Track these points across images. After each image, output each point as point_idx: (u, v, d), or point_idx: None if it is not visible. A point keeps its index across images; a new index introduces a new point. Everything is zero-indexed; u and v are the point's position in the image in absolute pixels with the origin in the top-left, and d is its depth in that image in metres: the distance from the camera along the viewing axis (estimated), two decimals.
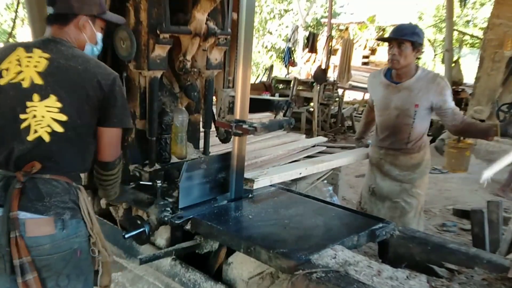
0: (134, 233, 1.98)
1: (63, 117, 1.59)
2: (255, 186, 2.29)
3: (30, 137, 1.57)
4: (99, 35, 1.82)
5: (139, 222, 2.00)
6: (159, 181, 2.07)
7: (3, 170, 1.61)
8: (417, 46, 2.67)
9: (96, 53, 1.85)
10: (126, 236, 1.97)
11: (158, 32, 2.09)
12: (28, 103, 1.58)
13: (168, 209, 2.04)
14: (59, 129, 1.59)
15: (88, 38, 1.77)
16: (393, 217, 2.74)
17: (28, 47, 1.66)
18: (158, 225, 2.01)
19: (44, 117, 1.58)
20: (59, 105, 1.59)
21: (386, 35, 5.07)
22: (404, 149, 2.80)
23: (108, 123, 1.69)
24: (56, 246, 1.59)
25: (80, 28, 1.73)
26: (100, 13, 1.77)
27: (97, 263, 1.75)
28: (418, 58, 2.71)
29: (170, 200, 2.11)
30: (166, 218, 1.98)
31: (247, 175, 2.31)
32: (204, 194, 2.17)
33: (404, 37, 2.65)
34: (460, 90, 10.50)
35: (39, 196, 1.57)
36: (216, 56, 2.42)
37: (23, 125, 1.58)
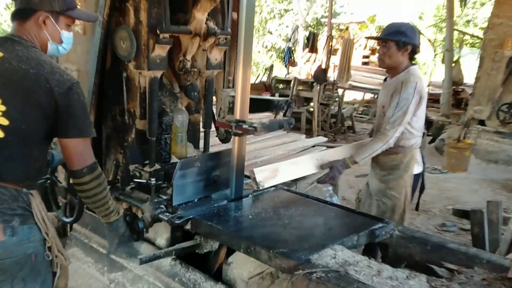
0: None
1: (5, 121, 1.52)
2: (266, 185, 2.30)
3: None
4: (65, 33, 1.70)
5: (131, 218, 2.04)
6: (153, 179, 2.10)
7: None
8: (401, 45, 2.58)
9: (63, 52, 1.75)
10: None
11: (158, 32, 2.09)
12: None
13: (162, 206, 2.07)
14: None
15: (50, 36, 1.66)
16: (377, 214, 2.70)
17: None
18: (153, 222, 2.04)
19: None
20: (2, 108, 1.52)
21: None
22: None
23: (67, 134, 1.60)
24: (7, 252, 1.57)
25: (40, 25, 1.63)
26: (63, 9, 1.65)
27: (55, 265, 1.73)
28: (413, 58, 2.72)
29: (165, 197, 2.14)
30: (160, 215, 2.00)
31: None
32: (198, 191, 2.20)
33: (386, 37, 2.61)
34: (460, 90, 10.51)
35: None
36: (216, 56, 2.42)
37: None
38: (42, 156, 1.68)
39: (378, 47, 2.71)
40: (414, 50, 2.64)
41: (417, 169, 2.80)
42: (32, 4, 1.61)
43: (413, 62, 2.71)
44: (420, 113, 2.68)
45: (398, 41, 2.58)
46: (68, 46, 1.76)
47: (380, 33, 2.77)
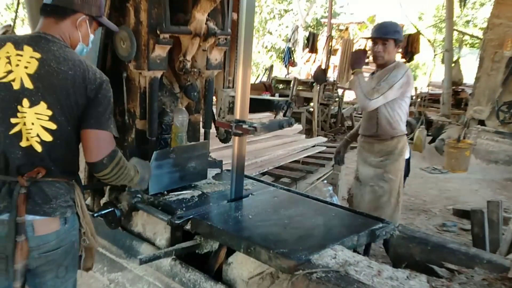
0: (102, 212, 2.15)
1: (53, 126, 1.57)
2: None
3: (23, 144, 1.56)
4: (92, 37, 1.77)
5: (109, 206, 2.17)
6: None
7: (3, 175, 1.59)
8: (398, 43, 2.88)
9: (86, 53, 1.80)
10: (95, 215, 2.12)
11: (158, 32, 2.09)
12: (19, 108, 1.54)
13: (139, 195, 2.17)
14: (48, 138, 1.57)
15: (82, 38, 1.71)
16: (370, 200, 2.93)
17: (18, 43, 1.58)
18: (130, 211, 2.17)
19: (33, 124, 1.55)
20: (49, 112, 1.56)
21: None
22: (375, 136, 2.93)
23: (86, 125, 1.62)
24: (60, 241, 1.64)
25: (77, 26, 1.67)
26: (98, 15, 1.72)
27: (81, 248, 1.80)
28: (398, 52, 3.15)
29: None
30: (137, 204, 2.14)
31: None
32: (174, 181, 2.31)
33: (388, 36, 2.84)
34: (460, 90, 10.51)
35: (46, 199, 1.59)
36: (216, 56, 2.42)
37: (15, 129, 1.55)
38: (78, 149, 1.73)
39: (374, 45, 2.88)
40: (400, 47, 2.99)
41: (407, 154, 3.04)
42: (74, 5, 1.65)
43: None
44: (407, 100, 2.91)
45: (396, 39, 2.86)
46: (89, 49, 1.82)
47: (375, 32, 2.93)
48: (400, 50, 3.04)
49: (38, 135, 1.56)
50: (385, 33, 2.85)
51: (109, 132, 1.66)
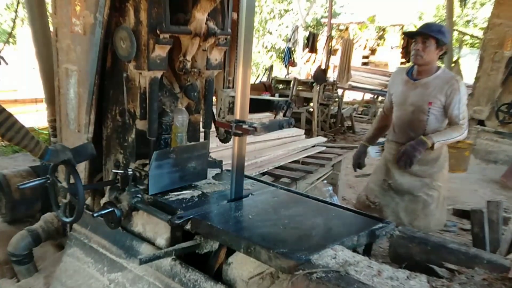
0: (102, 212, 2.15)
1: None
2: None
3: None
4: None
5: (109, 206, 2.17)
6: (130, 169, 2.23)
7: None
8: (440, 45, 2.72)
9: None
10: (95, 215, 2.14)
11: (158, 32, 2.09)
12: None
13: (139, 195, 2.17)
14: None
15: None
16: (415, 209, 2.85)
17: None
18: (130, 211, 2.17)
19: None
20: None
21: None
22: None
23: None
24: None
25: None
26: None
27: None
28: (441, 58, 2.93)
29: (142, 187, 2.23)
30: (137, 204, 2.15)
31: None
32: (174, 181, 2.31)
33: (430, 33, 2.70)
34: None
35: None
36: (216, 56, 2.42)
37: None
38: None
39: (415, 44, 2.75)
40: (445, 52, 2.81)
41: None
42: None
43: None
44: None
45: (439, 39, 2.70)
46: None
47: (419, 30, 2.83)
48: (441, 53, 2.79)
49: None
50: (428, 30, 2.74)
51: None
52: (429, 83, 2.78)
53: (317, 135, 7.74)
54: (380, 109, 3.50)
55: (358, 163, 3.20)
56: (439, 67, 2.82)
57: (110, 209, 2.16)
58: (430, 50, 2.72)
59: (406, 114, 2.87)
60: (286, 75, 12.16)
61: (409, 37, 2.99)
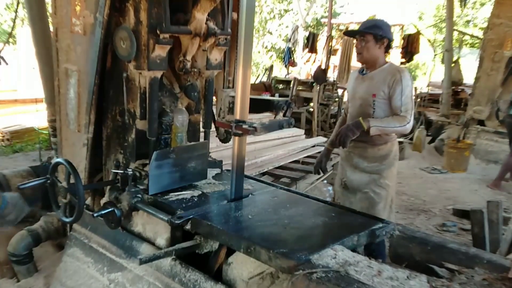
0: (102, 212, 2.14)
1: None
2: None
3: None
4: None
5: (109, 206, 2.17)
6: (130, 169, 2.22)
7: None
8: (379, 38, 2.70)
9: None
10: (95, 215, 2.13)
11: (158, 32, 2.09)
12: None
13: (139, 195, 2.17)
14: None
15: None
16: (363, 208, 2.72)
17: None
18: (130, 211, 2.17)
19: None
20: None
21: None
22: (369, 141, 2.77)
23: None
24: None
25: None
26: None
27: None
28: (387, 51, 2.86)
29: (141, 187, 2.22)
30: (136, 204, 2.15)
31: None
32: (174, 181, 2.31)
33: (364, 30, 2.72)
34: (459, 90, 10.51)
35: None
36: (216, 56, 2.42)
37: None
38: None
39: (357, 42, 2.79)
40: (389, 44, 2.77)
41: None
42: None
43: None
44: None
45: (375, 34, 2.70)
46: None
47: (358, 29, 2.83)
48: (384, 47, 2.76)
49: None
50: (362, 28, 2.75)
51: None
52: (374, 75, 2.77)
53: (317, 135, 7.75)
54: None
55: (320, 167, 3.07)
56: (388, 62, 2.81)
57: (110, 209, 2.16)
58: (370, 46, 2.72)
59: (355, 108, 2.86)
60: (286, 75, 12.16)
61: (348, 36, 3.07)
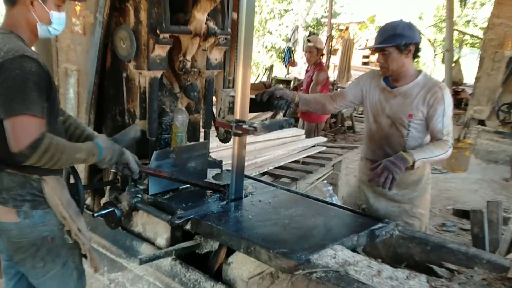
0: (102, 212, 2.14)
1: None
2: None
3: None
4: (55, 13, 1.68)
5: (109, 206, 2.17)
6: None
7: None
8: (404, 48, 2.29)
9: (54, 33, 1.74)
10: (95, 215, 2.13)
11: (158, 32, 2.09)
12: None
13: (139, 195, 2.17)
14: None
15: (38, 18, 1.65)
16: None
17: None
18: (130, 211, 2.17)
19: None
20: None
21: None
22: None
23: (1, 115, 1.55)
24: (22, 233, 1.70)
25: (28, 7, 1.63)
26: None
27: (84, 248, 1.84)
28: (416, 57, 2.37)
29: (141, 187, 2.22)
30: (136, 204, 2.15)
31: None
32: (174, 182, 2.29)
33: (383, 44, 2.30)
34: (460, 90, 10.52)
35: None
36: (216, 56, 2.42)
37: None
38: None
39: (378, 56, 2.39)
40: (417, 48, 2.35)
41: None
42: None
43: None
44: None
45: (398, 45, 2.28)
46: (60, 27, 1.75)
47: (375, 40, 2.40)
48: (411, 54, 2.34)
49: None
50: (380, 41, 2.33)
51: (27, 116, 1.50)
52: (408, 91, 2.35)
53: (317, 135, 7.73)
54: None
55: (262, 95, 2.44)
56: (420, 71, 2.40)
57: (110, 209, 2.16)
58: (393, 58, 2.30)
59: (383, 127, 2.44)
60: (286, 75, 12.18)
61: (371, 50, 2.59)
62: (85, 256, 1.90)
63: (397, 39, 2.27)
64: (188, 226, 2.01)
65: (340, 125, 9.64)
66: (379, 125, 2.47)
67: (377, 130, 2.49)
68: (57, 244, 1.78)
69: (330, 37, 10.30)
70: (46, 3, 1.65)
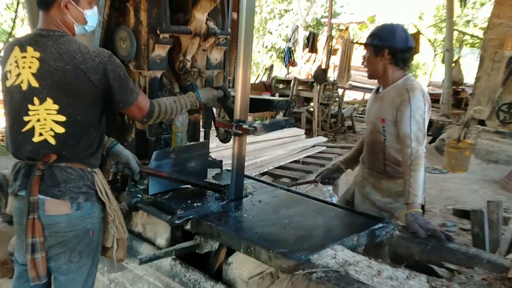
0: None
1: (62, 118, 1.66)
2: None
3: (36, 139, 1.67)
4: (88, 12, 1.75)
5: None
6: None
7: (23, 161, 1.74)
8: (378, 50, 2.20)
9: (90, 29, 1.82)
10: None
11: (158, 32, 2.10)
12: (30, 106, 1.65)
13: (139, 195, 2.17)
14: (60, 130, 1.66)
15: (75, 19, 1.71)
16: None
17: (22, 45, 1.67)
18: (130, 211, 2.17)
19: (46, 120, 1.65)
20: (56, 107, 1.65)
21: None
22: (383, 172, 2.33)
23: (118, 108, 1.83)
24: (71, 225, 1.72)
25: (63, 10, 1.68)
26: None
27: (113, 239, 1.86)
28: (403, 64, 2.23)
29: (141, 187, 2.23)
30: (136, 204, 2.15)
31: None
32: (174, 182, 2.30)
33: (365, 41, 2.27)
34: (460, 90, 10.52)
35: (56, 182, 1.69)
36: (216, 56, 2.42)
37: (27, 127, 1.66)
38: (98, 135, 1.80)
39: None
40: (394, 53, 2.20)
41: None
42: None
43: (406, 70, 2.29)
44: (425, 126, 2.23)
45: (374, 45, 2.23)
46: (93, 23, 1.83)
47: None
48: (387, 58, 2.22)
49: (51, 129, 1.66)
50: (365, 38, 2.29)
51: (137, 101, 1.79)
52: (384, 95, 2.27)
53: (318, 135, 7.75)
54: None
55: (327, 179, 2.69)
56: (403, 76, 2.25)
57: None
58: (369, 58, 2.26)
59: (367, 134, 2.42)
60: (286, 75, 12.17)
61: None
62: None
63: (373, 39, 2.24)
64: (188, 226, 2.01)
65: (340, 125, 9.65)
66: (366, 131, 2.45)
67: (366, 136, 2.47)
68: (94, 239, 1.82)
69: (330, 37, 10.30)
70: (79, 3, 1.71)
